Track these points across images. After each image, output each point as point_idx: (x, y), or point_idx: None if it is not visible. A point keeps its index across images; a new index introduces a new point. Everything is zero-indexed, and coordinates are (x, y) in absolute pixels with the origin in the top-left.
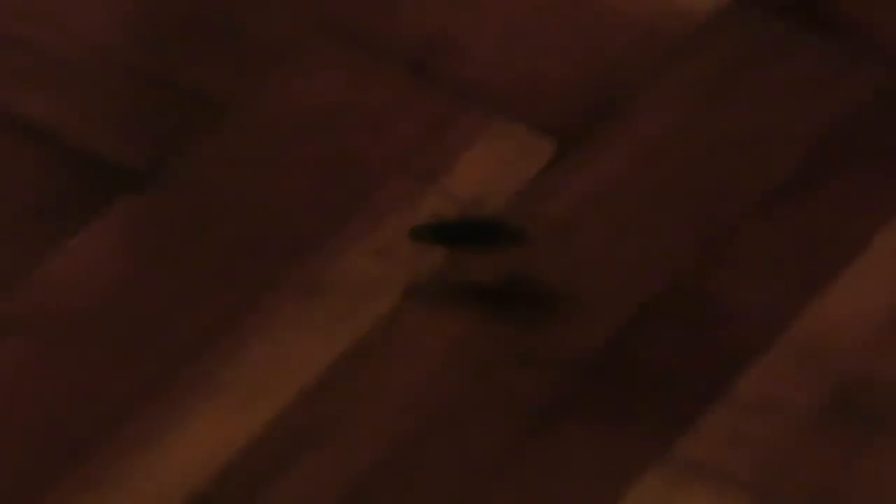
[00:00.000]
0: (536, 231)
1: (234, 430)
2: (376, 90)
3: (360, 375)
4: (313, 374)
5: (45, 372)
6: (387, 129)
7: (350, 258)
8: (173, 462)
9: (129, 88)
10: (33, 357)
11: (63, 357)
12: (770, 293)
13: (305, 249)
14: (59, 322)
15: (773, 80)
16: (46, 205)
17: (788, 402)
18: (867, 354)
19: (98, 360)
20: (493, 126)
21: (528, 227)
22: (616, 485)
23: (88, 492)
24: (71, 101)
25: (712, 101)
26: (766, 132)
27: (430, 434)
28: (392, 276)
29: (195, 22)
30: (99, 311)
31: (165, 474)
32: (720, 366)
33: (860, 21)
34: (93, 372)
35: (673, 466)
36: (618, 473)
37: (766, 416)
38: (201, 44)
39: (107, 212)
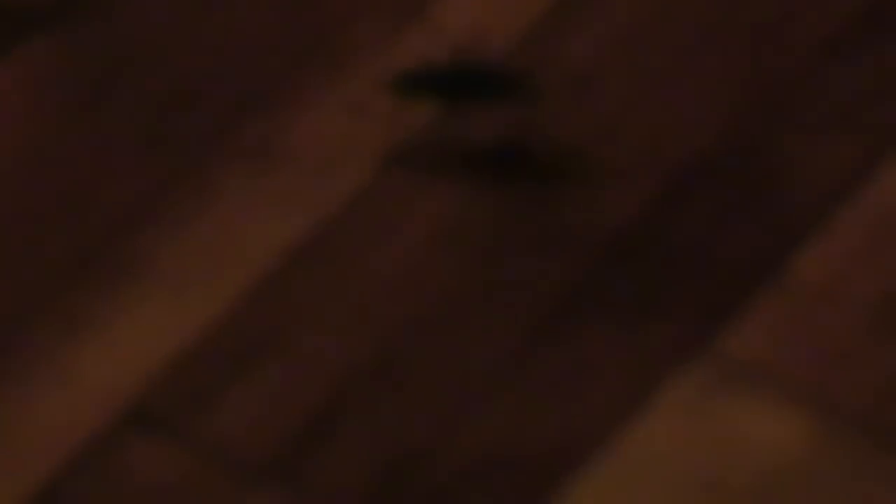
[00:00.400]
0: (547, 81)
1: (174, 329)
2: None
3: (329, 262)
4: (271, 259)
5: None
6: None
7: (314, 115)
8: (103, 363)
9: None
10: None
11: None
12: (835, 155)
13: (256, 104)
14: None
15: None
16: None
17: (857, 288)
18: None
19: (4, 240)
20: None
21: (538, 76)
22: (647, 389)
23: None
24: None
25: None
26: None
27: (418, 333)
28: (368, 138)
29: None
30: (2, 179)
31: (94, 377)
32: (773, 244)
33: None
34: None
35: (715, 366)
36: (648, 375)
37: (829, 305)
38: None
39: (7, 60)
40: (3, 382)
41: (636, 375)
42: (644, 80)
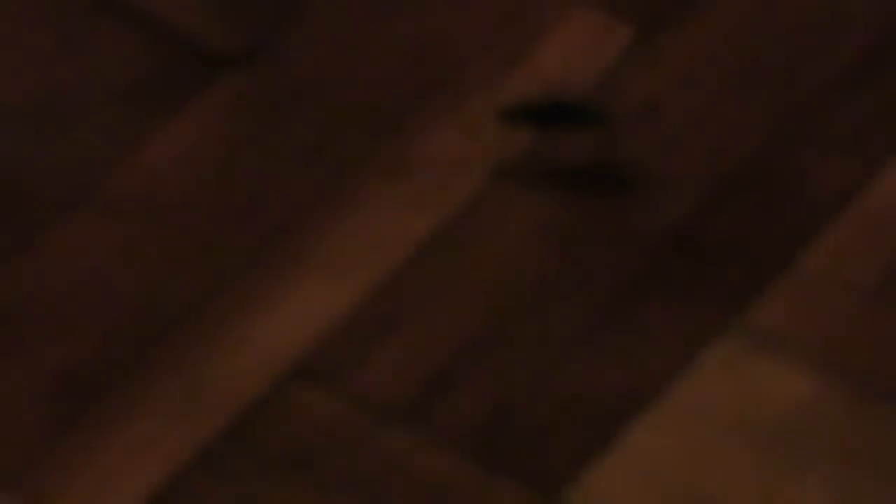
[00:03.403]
0: (619, 113)
1: (328, 305)
2: None
3: (447, 254)
4: (402, 251)
5: (145, 248)
6: (471, 10)
7: (436, 137)
8: (274, 330)
9: None
10: (136, 234)
11: (164, 232)
12: (842, 168)
13: (391, 128)
14: (157, 200)
15: None
16: (144, 88)
17: (852, 275)
18: None
19: (196, 235)
20: (571, 12)
21: (611, 109)
22: (691, 352)
23: (188, 357)
24: None
25: None
26: (834, 16)
27: (516, 310)
28: (478, 156)
29: None
30: (196, 189)
31: (262, 345)
32: (792, 238)
33: None
34: (190, 247)
35: (742, 334)
36: (692, 341)
37: (835, 286)
38: None
39: (201, 95)
40: (194, 345)
41: (685, 342)
42: (693, 113)
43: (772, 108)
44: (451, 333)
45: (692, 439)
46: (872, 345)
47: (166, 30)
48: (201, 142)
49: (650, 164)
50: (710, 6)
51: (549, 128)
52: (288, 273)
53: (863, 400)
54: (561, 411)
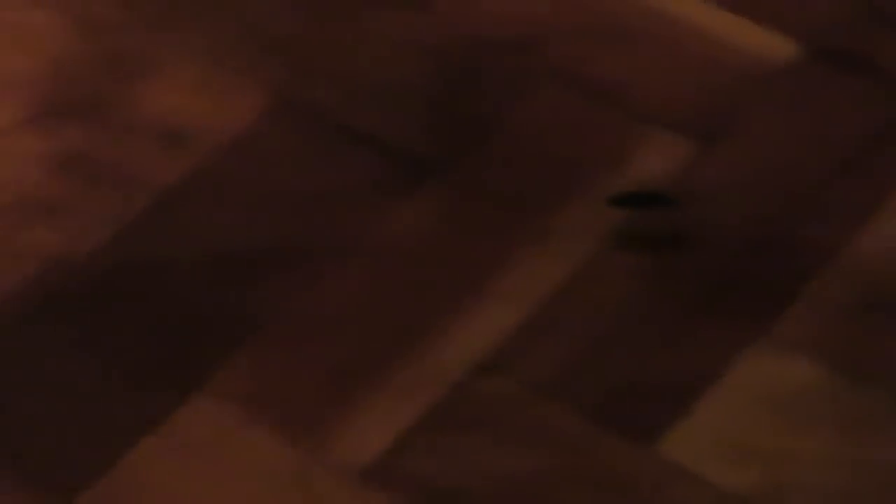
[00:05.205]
0: (683, 200)
1: (496, 322)
2: (585, 118)
3: (576, 287)
4: (546, 288)
5: (386, 285)
6: (594, 139)
7: (569, 215)
8: (461, 340)
9: (431, 113)
10: (380, 275)
11: (396, 275)
12: (823, 234)
13: (540, 210)
14: (392, 256)
15: (825, 103)
16: (385, 185)
17: (839, 297)
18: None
19: (417, 278)
20: (653, 135)
21: (678, 196)
22: (726, 354)
23: (413, 355)
24: (393, 120)
25: (790, 117)
26: (828, 134)
27: (620, 324)
28: (595, 226)
29: (469, 75)
30: (416, 248)
31: (456, 347)
32: (784, 283)
33: (880, 65)
34: (413, 286)
35: (764, 342)
36: (732, 345)
37: (813, 312)
38: (473, 86)
39: (421, 189)
40: (416, 347)
41: (723, 348)
42: (731, 195)
43: (782, 194)
44: (579, 340)
45: (728, 412)
46: (862, 346)
47: (397, 146)
48: (419, 219)
49: (702, 230)
50: (743, 129)
51: (639, 208)
52: (472, 302)
53: (848, 381)
54: (653, 388)
